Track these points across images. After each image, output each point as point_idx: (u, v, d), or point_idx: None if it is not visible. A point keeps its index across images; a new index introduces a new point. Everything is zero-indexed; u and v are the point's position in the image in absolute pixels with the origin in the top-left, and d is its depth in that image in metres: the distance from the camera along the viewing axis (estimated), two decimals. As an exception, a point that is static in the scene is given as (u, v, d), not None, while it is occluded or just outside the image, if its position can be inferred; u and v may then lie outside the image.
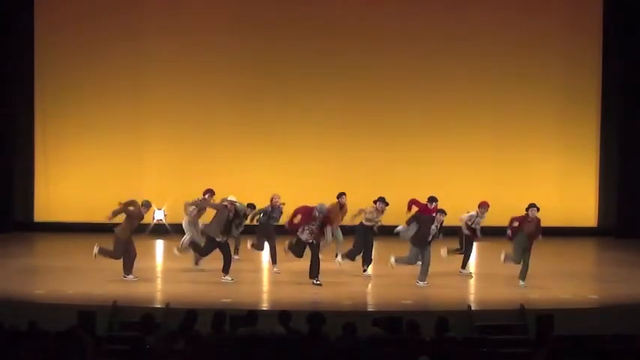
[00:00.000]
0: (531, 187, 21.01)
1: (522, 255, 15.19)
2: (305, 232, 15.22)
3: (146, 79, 21.39)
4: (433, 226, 15.18)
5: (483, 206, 16.10)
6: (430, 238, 15.24)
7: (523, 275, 15.24)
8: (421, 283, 15.27)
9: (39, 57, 21.38)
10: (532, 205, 15.21)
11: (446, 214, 15.34)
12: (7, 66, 21.14)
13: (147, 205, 15.53)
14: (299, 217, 15.34)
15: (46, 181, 21.53)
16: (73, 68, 21.36)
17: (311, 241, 15.24)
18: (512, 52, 21.43)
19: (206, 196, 16.51)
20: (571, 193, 21.57)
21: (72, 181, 21.36)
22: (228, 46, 21.38)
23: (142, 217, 15.63)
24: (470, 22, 21.37)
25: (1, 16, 20.98)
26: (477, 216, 16.13)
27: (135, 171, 21.14)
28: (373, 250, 16.39)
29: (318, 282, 15.21)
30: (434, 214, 15.39)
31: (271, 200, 16.45)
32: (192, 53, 21.34)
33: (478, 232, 16.17)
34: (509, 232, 15.29)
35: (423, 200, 16.65)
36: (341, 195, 17.08)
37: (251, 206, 16.29)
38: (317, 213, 15.20)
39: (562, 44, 21.52)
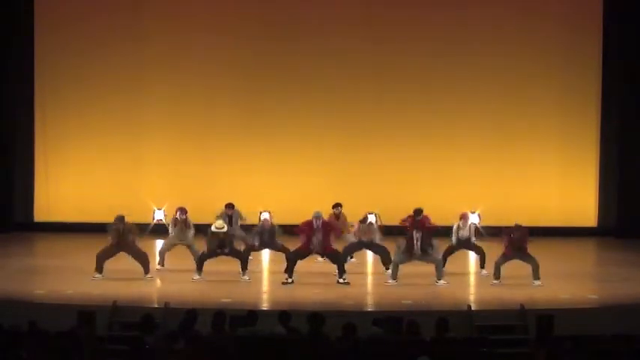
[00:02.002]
0: (531, 187, 21.01)
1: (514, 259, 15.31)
2: (313, 245, 15.31)
3: (146, 80, 21.38)
4: (414, 240, 15.24)
5: (464, 218, 16.25)
6: (417, 251, 15.23)
7: (536, 274, 15.29)
8: (440, 282, 15.33)
9: (39, 57, 21.37)
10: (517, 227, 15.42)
11: (420, 222, 15.52)
12: (7, 66, 21.13)
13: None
14: (302, 236, 15.43)
15: (46, 181, 21.52)
16: (73, 68, 21.36)
17: (322, 256, 15.34)
18: (512, 52, 21.39)
19: (177, 214, 16.46)
20: (571, 193, 21.54)
21: (72, 181, 21.35)
22: (228, 47, 21.35)
23: None
24: (470, 22, 21.33)
25: (2, 16, 20.97)
26: (459, 228, 16.22)
27: (135, 171, 21.14)
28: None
29: (345, 280, 15.23)
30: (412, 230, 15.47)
31: (260, 222, 16.43)
32: (192, 54, 21.32)
33: (472, 238, 16.27)
34: (505, 247, 15.40)
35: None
36: (335, 206, 17.07)
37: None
38: (314, 220, 15.25)
39: (562, 44, 21.48)
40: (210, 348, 9.87)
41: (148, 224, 19.65)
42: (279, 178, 20.49)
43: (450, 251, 16.36)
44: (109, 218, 15.78)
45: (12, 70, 21.22)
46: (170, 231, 16.65)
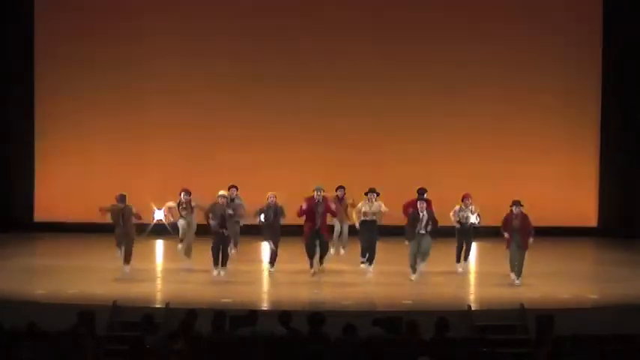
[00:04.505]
0: (532, 187, 20.95)
1: (517, 252, 15.25)
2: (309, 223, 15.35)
3: (146, 79, 21.36)
4: (419, 215, 15.29)
5: (466, 198, 16.28)
6: (421, 229, 15.23)
7: (518, 273, 15.31)
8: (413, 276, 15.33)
9: (39, 57, 21.37)
10: (515, 203, 15.33)
11: (425, 199, 15.49)
12: (7, 66, 21.14)
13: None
14: (304, 206, 15.51)
15: (46, 181, 21.53)
16: (74, 68, 21.34)
17: (316, 229, 15.32)
18: (512, 53, 21.39)
19: (181, 195, 16.52)
20: (571, 193, 21.55)
21: (72, 181, 21.35)
22: (228, 47, 21.34)
23: None
24: (470, 23, 21.34)
25: (2, 17, 20.98)
26: (460, 210, 16.24)
27: (135, 171, 21.13)
28: (376, 247, 16.37)
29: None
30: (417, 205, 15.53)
31: (267, 199, 16.46)
32: (192, 54, 21.30)
33: (474, 222, 16.28)
34: (506, 239, 15.38)
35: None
36: (338, 188, 17.09)
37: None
38: (316, 192, 15.32)
39: (562, 44, 21.49)
40: (210, 348, 9.87)
41: (148, 224, 19.65)
42: (281, 179, 20.43)
43: (460, 247, 16.43)
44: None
45: (12, 69, 21.23)
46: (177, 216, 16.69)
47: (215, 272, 15.62)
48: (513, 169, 21.38)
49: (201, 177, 20.61)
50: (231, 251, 16.37)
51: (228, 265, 15.87)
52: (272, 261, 16.48)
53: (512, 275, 15.37)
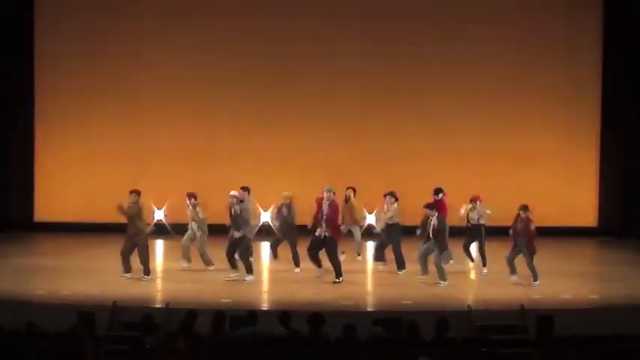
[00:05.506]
0: (531, 187, 20.98)
1: (523, 256, 15.27)
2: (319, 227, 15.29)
3: (147, 80, 21.38)
4: (429, 222, 15.31)
5: (474, 199, 16.26)
6: (433, 234, 15.25)
7: (535, 277, 15.33)
8: (442, 283, 15.29)
9: (39, 57, 21.37)
10: (522, 207, 15.31)
11: (431, 207, 15.41)
12: (7, 66, 21.14)
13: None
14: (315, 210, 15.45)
15: (46, 181, 21.52)
16: (73, 68, 21.35)
17: (323, 235, 15.22)
18: (513, 53, 21.39)
19: (190, 200, 16.46)
20: (571, 193, 21.55)
21: (72, 181, 21.34)
22: (227, 44, 21.34)
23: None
24: (472, 22, 21.35)
25: (2, 16, 20.99)
26: (470, 209, 16.26)
27: (135, 171, 21.11)
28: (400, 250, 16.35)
29: (339, 279, 15.22)
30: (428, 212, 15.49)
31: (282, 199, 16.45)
32: (192, 53, 21.28)
33: (483, 221, 16.29)
34: (512, 241, 15.43)
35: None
36: (346, 189, 17.05)
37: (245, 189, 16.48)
38: (325, 194, 15.21)
39: (562, 43, 21.50)
40: (210, 348, 9.88)
41: (148, 224, 19.62)
42: (282, 178, 20.46)
43: (467, 245, 16.46)
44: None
45: (12, 69, 21.23)
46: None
47: (233, 275, 15.47)
48: (513, 169, 21.38)
49: (202, 177, 20.62)
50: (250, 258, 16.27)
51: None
52: (297, 263, 16.33)
53: (514, 277, 15.39)
